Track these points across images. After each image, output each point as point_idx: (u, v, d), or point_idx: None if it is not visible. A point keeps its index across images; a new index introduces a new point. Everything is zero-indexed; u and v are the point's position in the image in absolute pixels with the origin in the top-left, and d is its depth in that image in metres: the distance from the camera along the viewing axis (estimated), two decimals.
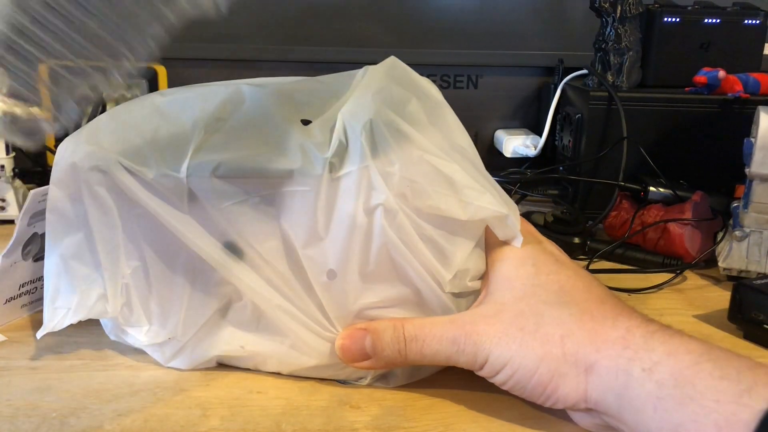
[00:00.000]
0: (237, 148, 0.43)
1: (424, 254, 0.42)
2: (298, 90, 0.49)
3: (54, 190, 0.44)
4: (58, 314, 0.45)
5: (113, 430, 0.39)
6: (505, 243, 0.44)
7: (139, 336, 0.46)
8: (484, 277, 0.44)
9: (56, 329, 0.45)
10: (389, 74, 0.48)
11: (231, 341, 0.45)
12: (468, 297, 0.44)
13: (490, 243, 0.44)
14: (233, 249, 0.43)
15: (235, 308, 0.45)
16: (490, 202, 0.42)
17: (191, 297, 0.45)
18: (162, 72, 0.92)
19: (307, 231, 0.42)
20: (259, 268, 0.43)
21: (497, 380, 0.40)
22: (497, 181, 0.84)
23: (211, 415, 0.41)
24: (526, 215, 0.75)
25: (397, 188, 0.41)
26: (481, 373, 0.41)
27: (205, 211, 0.43)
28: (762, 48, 0.85)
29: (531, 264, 0.42)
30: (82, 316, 0.45)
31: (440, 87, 0.98)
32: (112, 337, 0.48)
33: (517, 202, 0.80)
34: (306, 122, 0.45)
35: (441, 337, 0.40)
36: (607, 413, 0.38)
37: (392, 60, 0.49)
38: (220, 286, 0.44)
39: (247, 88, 0.47)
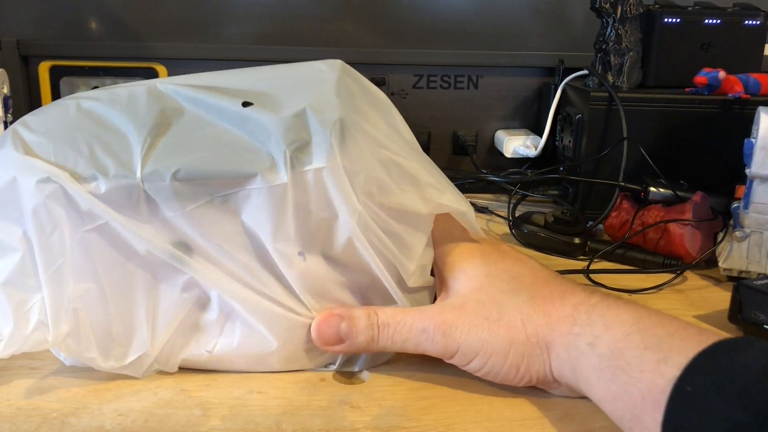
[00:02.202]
0: (192, 150, 0.42)
1: (390, 249, 0.44)
2: (229, 86, 0.47)
3: None
4: None
5: (114, 430, 0.39)
6: (449, 238, 0.47)
7: (101, 364, 0.43)
8: (437, 272, 0.47)
9: None
10: (342, 76, 0.47)
11: (198, 346, 0.45)
12: (420, 292, 0.47)
13: (435, 239, 0.47)
14: (187, 248, 0.43)
15: (201, 313, 0.45)
16: (450, 200, 0.45)
17: (156, 309, 0.44)
18: (162, 72, 0.92)
19: (275, 225, 0.42)
20: (225, 265, 0.43)
21: (471, 368, 0.43)
22: (497, 181, 0.85)
23: (211, 415, 0.41)
24: (527, 216, 0.75)
25: (364, 187, 0.42)
26: (452, 362, 0.43)
27: (165, 216, 0.41)
28: (762, 48, 0.85)
29: (479, 256, 0.46)
30: (16, 348, 0.41)
31: (440, 87, 0.99)
32: (68, 362, 0.45)
33: (518, 203, 0.80)
34: (247, 104, 0.44)
35: (411, 326, 0.43)
36: (568, 384, 0.42)
37: (341, 62, 0.49)
38: (185, 291, 0.44)
39: (176, 88, 0.46)
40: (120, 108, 0.44)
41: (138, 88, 0.46)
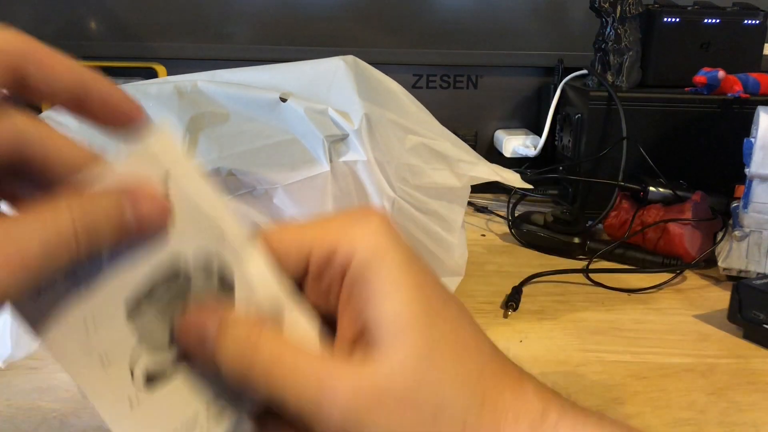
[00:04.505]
0: (233, 144, 0.43)
1: (429, 227, 0.46)
2: (253, 82, 0.49)
3: None
4: None
5: None
6: (382, 254, 0.29)
7: None
8: (363, 305, 0.29)
9: None
10: (358, 71, 0.49)
11: None
12: (446, 279, 0.50)
13: (361, 257, 0.28)
14: None
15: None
16: (483, 171, 0.47)
17: None
18: (162, 72, 0.92)
19: (316, 213, 0.44)
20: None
21: None
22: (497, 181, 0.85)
23: None
24: (526, 215, 0.75)
25: (397, 174, 0.44)
26: None
27: None
28: (762, 48, 0.85)
29: (424, 300, 0.29)
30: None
31: (440, 87, 0.99)
32: None
33: (517, 202, 0.80)
34: (284, 99, 0.45)
35: (308, 375, 0.27)
36: None
37: (353, 57, 0.50)
38: None
39: (205, 84, 0.47)
40: (151, 105, 0.45)
41: (165, 85, 0.47)
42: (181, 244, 0.26)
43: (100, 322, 0.24)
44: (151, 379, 0.26)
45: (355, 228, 0.29)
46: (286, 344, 0.28)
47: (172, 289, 0.26)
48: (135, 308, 0.25)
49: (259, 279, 0.27)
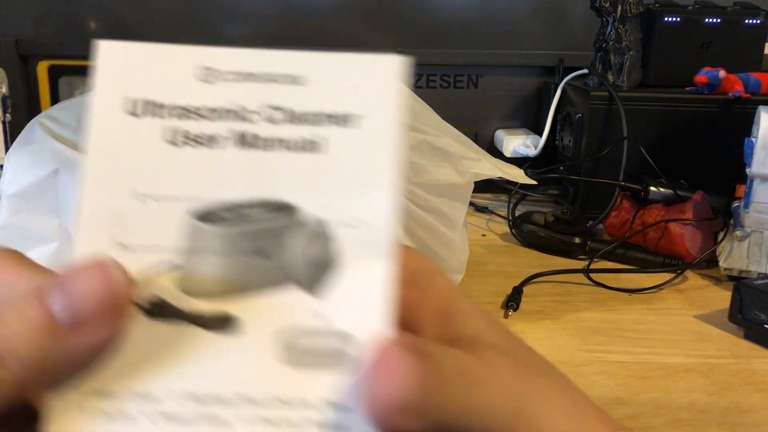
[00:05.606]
0: None
1: (430, 224, 0.46)
2: None
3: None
4: None
5: None
6: (446, 297, 0.25)
7: None
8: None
9: None
10: None
11: None
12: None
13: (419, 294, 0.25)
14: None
15: None
16: (486, 168, 0.46)
17: None
18: None
19: None
20: None
21: None
22: (497, 181, 0.85)
23: None
24: (527, 215, 0.75)
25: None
26: None
27: None
28: (762, 48, 0.85)
29: (495, 320, 0.27)
30: None
31: (440, 87, 0.99)
32: None
33: (518, 202, 0.80)
34: None
35: (505, 387, 0.23)
36: None
37: None
38: None
39: None
40: None
41: None
42: (323, 196, 0.20)
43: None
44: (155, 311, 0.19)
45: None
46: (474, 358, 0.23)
47: (275, 221, 0.20)
48: (209, 213, 0.19)
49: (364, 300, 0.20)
